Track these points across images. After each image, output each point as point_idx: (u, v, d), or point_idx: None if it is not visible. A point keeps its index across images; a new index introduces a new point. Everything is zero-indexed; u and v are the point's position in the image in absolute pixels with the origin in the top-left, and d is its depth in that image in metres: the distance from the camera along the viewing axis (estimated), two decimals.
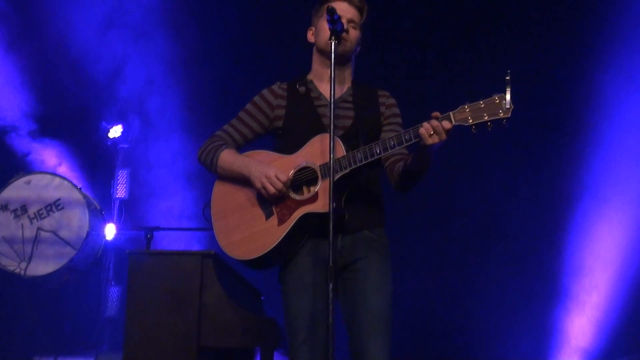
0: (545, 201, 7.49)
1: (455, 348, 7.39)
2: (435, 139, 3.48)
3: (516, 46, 7.56)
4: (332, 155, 3.52)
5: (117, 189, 7.37)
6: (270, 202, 3.80)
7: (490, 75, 3.64)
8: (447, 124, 3.46)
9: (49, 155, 7.44)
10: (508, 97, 3.38)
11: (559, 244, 7.35)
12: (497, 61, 7.28)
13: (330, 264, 3.39)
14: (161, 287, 4.47)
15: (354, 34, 3.88)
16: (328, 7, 3.60)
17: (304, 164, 3.78)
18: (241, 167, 3.86)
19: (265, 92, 4.03)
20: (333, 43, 3.63)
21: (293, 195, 3.75)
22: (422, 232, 7.42)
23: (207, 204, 4.02)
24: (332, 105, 3.56)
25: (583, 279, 7.29)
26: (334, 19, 3.59)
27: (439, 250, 7.58)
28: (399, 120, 3.96)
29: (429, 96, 7.30)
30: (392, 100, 4.02)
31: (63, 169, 7.35)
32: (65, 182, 6.69)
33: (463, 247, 7.57)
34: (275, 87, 4.03)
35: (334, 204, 3.53)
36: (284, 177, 3.74)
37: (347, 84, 4.00)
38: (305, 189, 3.76)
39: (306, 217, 3.70)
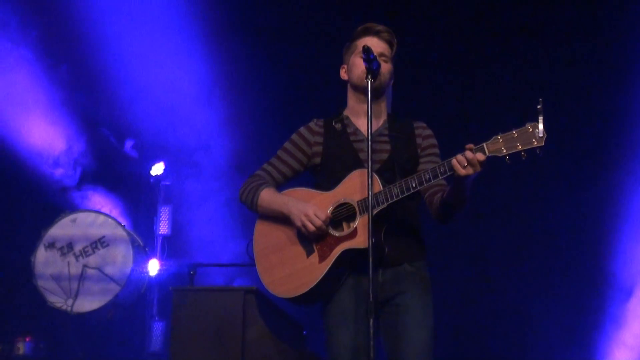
0: (589, 208, 7.38)
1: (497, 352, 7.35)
2: (469, 171, 3.42)
3: (551, 70, 7.52)
4: (370, 192, 3.52)
5: (160, 226, 7.39)
6: (311, 240, 3.77)
7: (525, 102, 3.58)
8: (480, 156, 3.40)
9: (94, 194, 7.53)
10: (541, 126, 3.29)
11: (607, 247, 7.25)
12: (531, 88, 7.23)
13: (371, 299, 3.37)
14: (205, 322, 4.50)
15: (385, 67, 3.85)
16: (364, 46, 3.62)
17: (342, 200, 3.76)
18: (281, 205, 3.85)
19: (302, 129, 4.01)
20: (370, 82, 3.64)
21: (332, 231, 3.73)
22: (463, 238, 7.32)
23: (250, 242, 4.02)
24: (369, 142, 3.54)
25: (631, 283, 7.17)
26: (370, 58, 3.60)
27: (480, 256, 7.54)
28: (436, 150, 3.91)
29: (463, 126, 7.27)
30: (428, 132, 3.97)
31: (107, 207, 7.42)
32: (110, 219, 6.75)
33: (505, 255, 7.51)
34: (312, 124, 4.02)
35: (374, 239, 3.53)
36: (322, 215, 3.72)
37: (383, 117, 3.96)
38: (345, 224, 3.70)
39: (346, 253, 3.69)
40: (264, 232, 3.96)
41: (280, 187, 3.99)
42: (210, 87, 7.92)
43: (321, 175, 3.95)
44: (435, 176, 3.53)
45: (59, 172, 7.53)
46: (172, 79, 7.71)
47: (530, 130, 3.34)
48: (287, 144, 4.03)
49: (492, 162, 3.44)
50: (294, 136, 4.03)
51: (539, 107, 3.30)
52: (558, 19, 7.63)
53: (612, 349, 7.09)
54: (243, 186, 3.99)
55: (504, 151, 3.39)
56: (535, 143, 3.33)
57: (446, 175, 3.51)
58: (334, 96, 4.22)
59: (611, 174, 7.29)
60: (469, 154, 3.41)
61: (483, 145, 3.42)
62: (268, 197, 3.90)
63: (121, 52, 7.64)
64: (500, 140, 3.40)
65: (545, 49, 7.64)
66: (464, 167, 3.42)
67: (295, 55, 7.91)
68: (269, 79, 7.95)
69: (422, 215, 3.93)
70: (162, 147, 7.65)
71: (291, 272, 3.80)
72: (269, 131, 7.29)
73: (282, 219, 3.85)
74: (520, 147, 3.36)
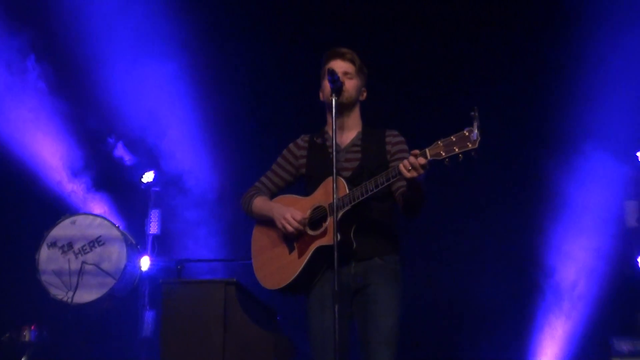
0: (524, 209, 7.39)
1: (443, 348, 7.37)
2: (413, 174, 3.47)
3: (491, 78, 7.57)
4: (334, 196, 3.60)
5: (151, 226, 7.43)
6: (292, 239, 3.89)
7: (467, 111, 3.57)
8: (422, 160, 3.44)
9: (92, 199, 7.54)
10: (476, 130, 3.32)
11: (542, 255, 7.25)
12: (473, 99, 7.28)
13: (336, 289, 3.44)
14: (191, 311, 4.51)
15: (350, 83, 3.96)
16: (328, 69, 3.73)
17: (317, 204, 3.85)
18: (267, 211, 4.00)
19: (291, 145, 4.17)
20: (334, 99, 3.73)
21: (309, 231, 3.82)
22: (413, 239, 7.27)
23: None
24: (333, 152, 3.67)
25: (561, 288, 7.22)
26: (334, 79, 3.69)
27: (421, 252, 7.42)
28: (404, 155, 3.84)
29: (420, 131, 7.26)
30: (398, 138, 4.02)
31: (104, 210, 7.43)
32: (106, 221, 6.78)
33: (443, 253, 7.55)
34: (299, 140, 4.16)
35: (340, 236, 3.60)
36: (298, 217, 3.83)
37: (357, 129, 4.05)
38: (324, 224, 3.81)
39: (319, 249, 3.76)
40: (258, 234, 4.14)
41: (274, 195, 4.18)
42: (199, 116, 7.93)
43: (307, 183, 4.07)
44: (388, 179, 3.61)
45: (70, 183, 7.52)
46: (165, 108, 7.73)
47: (467, 134, 3.36)
48: (279, 159, 4.20)
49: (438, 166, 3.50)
50: (285, 151, 4.19)
51: (472, 113, 3.34)
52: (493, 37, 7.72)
53: (544, 346, 7.16)
54: (243, 197, 4.19)
55: (443, 154, 3.41)
56: (470, 146, 3.35)
57: (396, 178, 3.58)
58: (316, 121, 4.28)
59: (547, 179, 7.36)
60: (412, 158, 3.48)
61: (425, 150, 3.47)
62: (259, 204, 4.06)
63: (123, 78, 7.64)
64: (441, 145, 3.43)
65: (482, 61, 7.71)
66: (409, 171, 3.48)
67: (280, 85, 7.92)
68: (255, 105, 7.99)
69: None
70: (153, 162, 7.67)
71: (277, 268, 3.92)
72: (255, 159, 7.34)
73: (271, 223, 3.99)
74: (457, 150, 3.38)
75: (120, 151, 7.51)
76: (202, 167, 7.86)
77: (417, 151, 3.49)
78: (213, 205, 7.74)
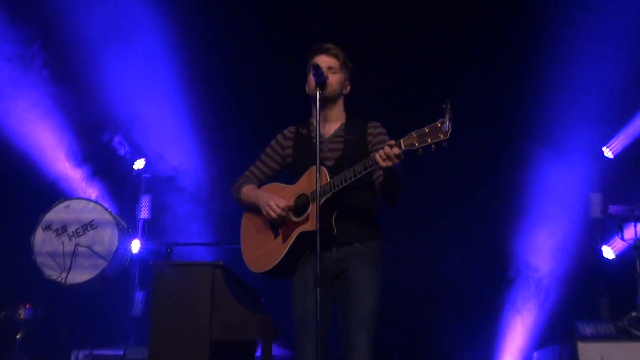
0: (492, 205, 7.54)
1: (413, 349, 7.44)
2: (388, 163, 3.52)
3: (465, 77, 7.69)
4: (317, 184, 3.65)
5: (141, 211, 7.49)
6: (277, 225, 3.93)
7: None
8: (396, 150, 3.49)
9: (86, 184, 7.55)
10: (447, 121, 3.34)
11: (512, 245, 7.40)
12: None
13: (318, 272, 3.50)
14: (180, 292, 4.49)
15: (334, 78, 4.00)
16: (313, 64, 3.76)
17: (301, 192, 3.89)
18: (254, 199, 4.08)
19: (278, 136, 4.23)
20: (318, 93, 3.77)
21: (292, 217, 3.87)
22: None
23: None
24: (317, 143, 3.71)
25: (530, 276, 7.33)
26: (319, 73, 3.73)
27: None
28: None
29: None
30: (380, 130, 4.05)
31: (96, 195, 7.46)
32: (98, 205, 6.82)
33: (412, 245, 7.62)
34: (286, 131, 4.22)
35: (324, 223, 3.66)
36: (282, 204, 3.88)
37: (341, 121, 4.10)
38: (307, 211, 3.85)
39: (302, 235, 3.80)
40: (246, 221, 4.23)
41: (263, 183, 4.24)
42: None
43: (294, 172, 4.13)
44: (365, 168, 3.66)
45: (71, 170, 7.53)
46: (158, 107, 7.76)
47: (439, 125, 3.40)
48: (267, 149, 4.27)
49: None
50: (272, 142, 4.25)
51: (444, 105, 3.37)
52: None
53: (514, 331, 7.25)
54: (233, 185, 4.20)
55: (416, 145, 3.46)
56: (442, 137, 3.38)
57: (372, 167, 3.63)
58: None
59: (517, 173, 7.43)
60: (387, 149, 3.53)
61: (400, 141, 3.53)
62: (247, 192, 4.12)
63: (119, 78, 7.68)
64: (414, 136, 3.48)
65: (458, 59, 7.81)
66: (384, 160, 3.53)
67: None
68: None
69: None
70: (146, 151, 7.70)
71: (263, 252, 3.98)
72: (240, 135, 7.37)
73: (258, 210, 4.07)
74: (429, 141, 3.42)
75: (118, 140, 7.52)
76: (193, 158, 7.93)
77: (392, 142, 3.55)
78: (203, 193, 7.81)
